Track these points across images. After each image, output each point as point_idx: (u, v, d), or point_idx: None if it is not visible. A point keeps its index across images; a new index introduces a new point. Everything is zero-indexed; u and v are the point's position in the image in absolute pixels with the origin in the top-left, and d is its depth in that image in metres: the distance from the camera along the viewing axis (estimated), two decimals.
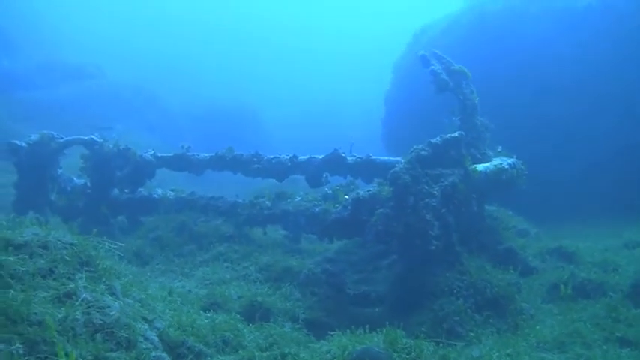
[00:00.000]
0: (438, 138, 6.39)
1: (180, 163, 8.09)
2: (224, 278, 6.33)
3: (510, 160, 7.06)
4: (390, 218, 6.06)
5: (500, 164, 6.85)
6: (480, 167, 6.57)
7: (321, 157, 7.79)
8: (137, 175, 8.07)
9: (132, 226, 8.28)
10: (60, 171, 8.34)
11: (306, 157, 7.92)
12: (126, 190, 8.31)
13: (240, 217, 7.33)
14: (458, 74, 7.51)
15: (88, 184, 8.22)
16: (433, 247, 5.80)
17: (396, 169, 6.07)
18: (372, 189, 6.53)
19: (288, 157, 7.89)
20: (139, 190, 8.44)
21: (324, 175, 7.69)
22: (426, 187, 6.03)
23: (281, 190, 7.45)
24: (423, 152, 6.23)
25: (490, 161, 6.92)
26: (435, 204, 5.95)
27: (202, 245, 7.11)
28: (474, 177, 6.39)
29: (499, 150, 7.60)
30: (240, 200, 7.62)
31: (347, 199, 6.52)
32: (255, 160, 7.85)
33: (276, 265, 6.44)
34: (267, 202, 7.26)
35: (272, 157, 7.92)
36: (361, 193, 6.47)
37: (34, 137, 7.96)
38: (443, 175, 6.29)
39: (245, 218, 7.29)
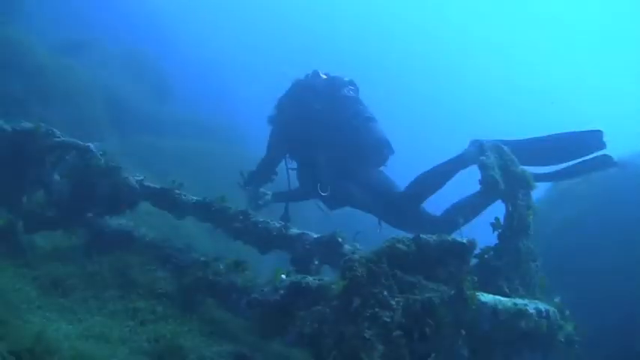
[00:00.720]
0: (433, 236, 4.49)
1: (164, 200, 6.67)
2: (107, 335, 4.74)
3: (543, 306, 4.93)
4: (322, 321, 4.21)
5: (525, 306, 4.74)
6: (486, 297, 4.53)
7: (315, 235, 6.05)
8: (115, 200, 6.73)
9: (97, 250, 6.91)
10: (56, 177, 7.17)
11: (297, 232, 6.21)
12: (106, 217, 7.01)
13: (186, 278, 5.71)
14: (517, 179, 5.56)
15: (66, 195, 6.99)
16: None
17: (354, 256, 4.25)
18: (326, 279, 4.69)
19: (277, 226, 6.23)
20: (119, 223, 7.11)
21: (315, 263, 5.88)
22: (385, 294, 4.13)
23: (243, 259, 5.76)
24: (400, 246, 4.36)
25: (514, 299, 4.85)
26: (387, 320, 4.02)
27: (124, 295, 5.58)
28: (470, 307, 4.35)
29: (556, 300, 5.47)
30: (203, 257, 6.02)
31: (283, 280, 4.71)
32: (240, 217, 6.25)
33: (171, 341, 4.70)
34: (221, 266, 5.59)
35: (261, 220, 6.29)
36: (309, 279, 4.65)
37: (26, 125, 6.91)
38: (421, 287, 4.34)
39: (191, 280, 5.66)
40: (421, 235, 4.41)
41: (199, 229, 9.86)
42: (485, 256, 5.35)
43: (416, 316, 4.17)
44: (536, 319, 4.78)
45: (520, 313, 4.66)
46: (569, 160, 6.83)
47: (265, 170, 7.94)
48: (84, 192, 6.85)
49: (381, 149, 7.33)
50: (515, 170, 5.58)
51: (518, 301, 4.77)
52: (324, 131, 7.37)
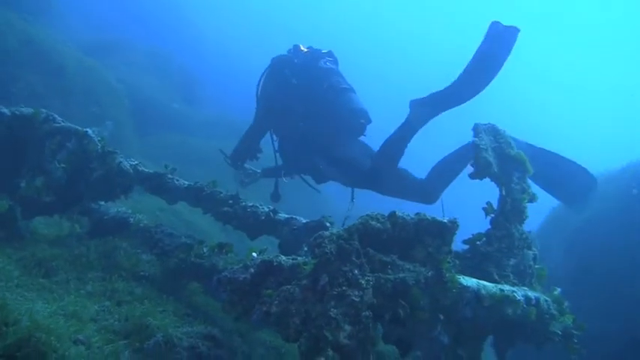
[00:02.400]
0: (410, 214, 4.25)
1: (155, 184, 6.53)
2: (79, 314, 4.61)
3: (533, 294, 4.64)
4: (289, 299, 4.00)
5: (512, 292, 4.46)
6: (466, 280, 4.27)
7: (304, 220, 5.84)
8: (108, 185, 6.61)
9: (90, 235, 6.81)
10: (62, 165, 7.05)
11: (285, 217, 6.00)
12: (101, 203, 6.91)
13: (170, 261, 5.56)
14: (512, 161, 5.29)
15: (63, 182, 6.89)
16: None
17: (324, 232, 4.04)
18: (299, 258, 4.47)
19: (266, 210, 6.04)
20: (117, 210, 7.01)
21: (304, 248, 5.66)
22: (356, 272, 3.91)
23: (228, 242, 5.57)
24: (374, 223, 4.13)
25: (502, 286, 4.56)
26: (356, 299, 3.80)
27: (106, 277, 5.45)
28: (449, 290, 4.09)
29: (555, 292, 5.18)
30: (189, 241, 5.85)
31: (254, 258, 4.50)
32: (230, 202, 6.07)
33: (139, 320, 4.55)
34: (204, 249, 5.42)
35: (250, 204, 6.10)
36: (282, 258, 4.44)
37: (25, 110, 6.83)
38: (395, 266, 4.11)
39: (175, 263, 5.50)
40: (397, 212, 4.18)
41: (212, 226, 9.75)
42: (478, 242, 5.09)
43: (387, 297, 3.95)
44: (525, 306, 4.49)
45: (506, 300, 4.38)
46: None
47: (247, 145, 7.89)
48: (80, 177, 6.74)
49: (357, 118, 7.15)
50: (510, 153, 5.30)
51: (505, 287, 4.49)
52: (302, 104, 7.33)
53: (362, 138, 7.49)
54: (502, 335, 4.88)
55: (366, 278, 3.89)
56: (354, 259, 3.95)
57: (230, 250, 5.38)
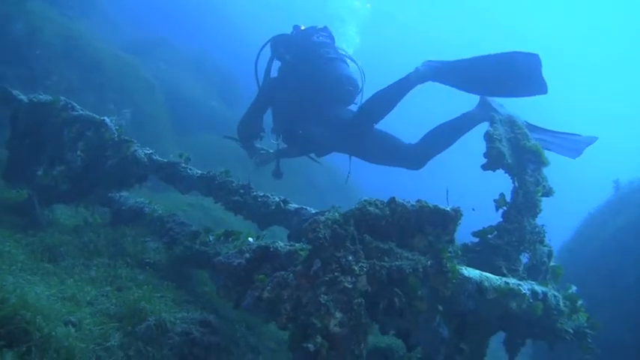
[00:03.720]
0: (411, 201, 4.10)
1: (169, 173, 6.47)
2: (77, 298, 4.57)
3: (540, 288, 4.43)
4: (282, 285, 3.89)
5: (518, 285, 4.26)
6: (468, 271, 4.09)
7: (314, 211, 5.72)
8: (122, 174, 6.59)
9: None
10: (78, 153, 7.06)
11: (295, 207, 5.89)
12: (119, 194, 6.91)
13: (176, 249, 5.49)
14: (528, 153, 5.09)
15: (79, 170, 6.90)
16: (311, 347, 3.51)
17: (320, 217, 3.92)
18: (297, 244, 4.35)
19: (276, 200, 5.93)
20: (135, 200, 7.00)
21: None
22: (350, 258, 3.78)
23: (235, 230, 5.48)
24: (372, 209, 4.00)
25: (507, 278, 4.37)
26: (349, 286, 3.67)
27: (111, 264, 5.41)
28: (448, 279, 3.92)
29: (570, 290, 4.96)
30: (199, 229, 5.79)
31: (250, 243, 4.39)
32: (241, 191, 5.99)
33: (134, 304, 4.47)
34: (210, 238, 5.34)
35: (261, 194, 6.00)
36: (279, 244, 4.33)
37: (43, 97, 6.86)
38: (392, 253, 3.96)
39: (180, 251, 5.43)
40: (396, 199, 4.03)
41: (241, 223, 9.68)
42: (489, 235, 4.90)
43: (381, 284, 3.80)
44: (531, 300, 4.30)
45: (511, 293, 4.19)
46: (502, 86, 6.57)
47: (248, 122, 8.03)
48: (95, 165, 6.75)
49: (342, 85, 7.30)
50: (525, 144, 5.10)
51: (511, 280, 4.30)
52: (294, 78, 7.53)
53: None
54: (510, 331, 4.70)
55: (359, 265, 3.75)
56: (348, 245, 3.83)
57: (237, 238, 5.28)
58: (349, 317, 3.63)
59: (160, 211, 6.74)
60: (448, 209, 4.07)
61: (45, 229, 6.26)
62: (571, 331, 4.67)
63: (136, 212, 6.94)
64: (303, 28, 7.99)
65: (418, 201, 4.09)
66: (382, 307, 3.83)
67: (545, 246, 5.02)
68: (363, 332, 3.68)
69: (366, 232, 3.96)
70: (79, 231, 6.30)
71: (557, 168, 5.32)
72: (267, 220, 5.94)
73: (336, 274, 3.69)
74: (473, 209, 5.44)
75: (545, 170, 5.26)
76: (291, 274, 3.89)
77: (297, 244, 4.27)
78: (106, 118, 6.93)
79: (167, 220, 6.31)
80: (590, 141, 6.20)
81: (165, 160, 6.58)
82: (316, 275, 3.73)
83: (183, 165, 6.50)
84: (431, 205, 4.06)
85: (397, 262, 3.86)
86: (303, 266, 3.85)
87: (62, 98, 6.97)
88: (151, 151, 6.73)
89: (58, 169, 6.89)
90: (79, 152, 6.89)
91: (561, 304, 4.52)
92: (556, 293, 4.54)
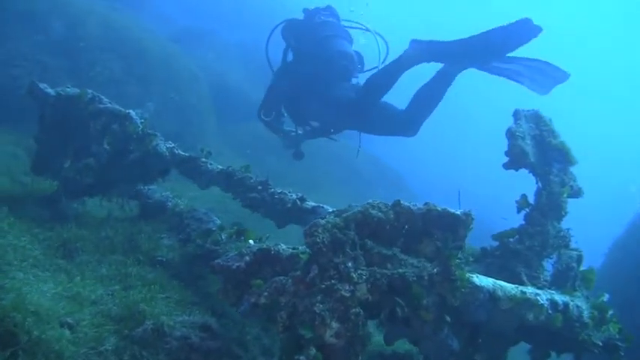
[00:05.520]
0: (417, 204, 3.86)
1: (189, 168, 6.35)
2: (82, 296, 4.50)
3: (561, 298, 4.12)
4: (280, 291, 3.71)
5: (535, 295, 3.97)
6: (480, 279, 3.83)
7: (330, 209, 5.49)
8: (144, 168, 6.50)
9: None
10: (105, 146, 6.99)
11: (313, 205, 5.68)
12: (147, 187, 6.84)
13: (189, 246, 5.37)
14: (553, 151, 4.75)
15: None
16: None
17: (320, 220, 3.71)
18: (301, 247, 4.15)
19: (293, 198, 5.74)
20: (161, 194, 6.92)
21: None
22: (349, 265, 3.57)
23: (246, 228, 5.32)
24: (375, 212, 3.77)
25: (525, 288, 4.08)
26: (347, 294, 3.46)
27: (125, 260, 5.33)
28: (457, 288, 3.67)
29: (602, 298, 4.63)
30: (212, 227, 5.66)
31: (250, 246, 4.21)
32: (259, 188, 5.82)
33: (135, 306, 4.35)
34: (222, 236, 5.20)
35: (279, 191, 5.82)
36: (282, 247, 4.14)
37: (71, 91, 6.80)
38: (396, 259, 3.72)
39: (193, 248, 5.31)
40: (401, 202, 3.80)
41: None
42: (511, 239, 4.61)
43: (382, 292, 3.58)
44: (549, 312, 4.00)
45: (527, 303, 3.91)
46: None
47: (267, 107, 8.01)
48: (120, 159, 6.68)
49: (336, 61, 7.33)
50: (551, 141, 4.77)
51: (528, 289, 4.01)
52: (299, 62, 7.69)
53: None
54: (532, 343, 4.41)
55: (358, 272, 3.54)
56: (348, 250, 3.61)
57: (249, 237, 5.12)
58: (346, 328, 3.42)
59: (182, 206, 6.65)
60: (458, 213, 3.82)
61: (70, 221, 6.20)
62: (600, 343, 4.35)
63: (160, 206, 6.86)
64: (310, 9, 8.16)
65: (426, 204, 3.84)
66: (383, 317, 3.61)
67: (573, 250, 4.70)
68: (361, 344, 3.47)
69: (368, 237, 3.74)
70: (99, 225, 6.24)
71: None
72: (284, 219, 5.76)
73: (333, 281, 3.49)
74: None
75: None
76: (290, 280, 3.71)
77: (300, 247, 4.08)
78: (131, 111, 6.85)
79: (186, 216, 6.20)
80: (561, 79, 6.13)
81: (187, 155, 6.46)
82: (313, 282, 3.54)
83: (203, 160, 6.36)
84: (439, 209, 3.81)
85: (400, 270, 3.63)
86: (302, 272, 3.66)
87: (89, 91, 6.90)
88: (172, 144, 6.62)
89: (84, 162, 6.84)
90: (105, 145, 6.82)
91: (585, 315, 4.19)
92: (580, 303, 4.22)
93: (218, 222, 6.34)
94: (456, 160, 39.58)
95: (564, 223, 4.67)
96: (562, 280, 4.61)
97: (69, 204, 6.77)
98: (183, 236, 5.79)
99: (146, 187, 7.28)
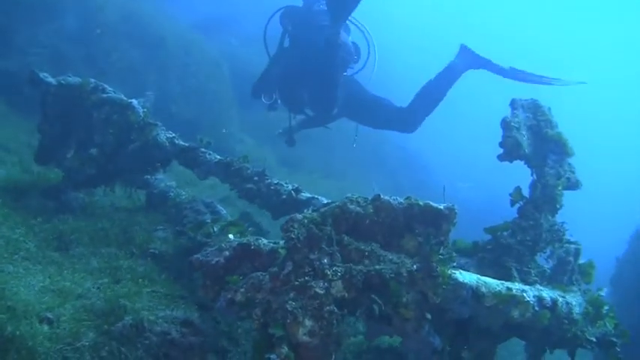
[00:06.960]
0: (398, 198, 3.74)
1: (188, 158, 6.29)
2: (68, 290, 4.47)
3: (549, 294, 3.97)
4: (257, 287, 3.63)
5: (522, 292, 3.84)
6: (463, 275, 3.71)
7: (325, 201, 5.40)
8: (144, 157, 6.46)
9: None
10: (111, 137, 6.95)
11: (308, 196, 5.59)
12: (154, 176, 6.84)
13: (182, 239, 5.33)
14: (549, 143, 4.59)
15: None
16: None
17: (297, 215, 3.62)
18: (281, 242, 4.06)
19: (288, 189, 5.65)
20: (166, 184, 6.90)
21: None
22: (325, 261, 3.48)
23: (236, 220, 5.26)
24: (353, 207, 3.67)
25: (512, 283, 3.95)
26: (321, 291, 3.37)
27: (117, 253, 5.30)
28: (439, 284, 3.55)
29: (600, 292, 4.49)
30: (205, 219, 5.60)
31: (230, 241, 4.14)
32: (256, 179, 5.74)
33: (117, 301, 4.30)
34: (215, 229, 5.14)
35: (275, 182, 5.74)
36: (263, 241, 4.06)
37: (72, 80, 6.77)
38: (374, 255, 3.62)
39: (185, 241, 5.26)
40: (381, 196, 3.69)
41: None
42: (505, 233, 4.47)
43: (357, 290, 3.48)
44: (536, 309, 3.86)
45: (513, 300, 3.78)
46: None
47: (259, 87, 8.06)
48: (121, 149, 6.64)
49: (331, 50, 7.13)
50: (547, 132, 4.60)
51: (514, 285, 3.88)
52: (294, 49, 7.70)
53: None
54: (522, 340, 4.29)
55: (334, 269, 3.44)
56: (324, 246, 3.52)
57: (231, 231, 5.04)
58: (320, 326, 3.34)
59: (184, 196, 6.61)
60: (441, 207, 3.69)
61: (71, 213, 6.19)
62: (594, 339, 4.21)
63: (162, 196, 6.84)
64: None
65: (407, 198, 3.72)
66: (359, 315, 3.51)
67: (570, 243, 4.55)
68: (335, 342, 3.38)
69: (347, 232, 3.64)
70: (96, 217, 6.22)
71: None
72: (279, 210, 5.68)
73: (307, 278, 3.41)
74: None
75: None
76: (267, 276, 3.63)
77: (280, 242, 3.99)
78: (133, 100, 6.79)
79: (184, 207, 6.16)
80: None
81: (187, 145, 6.39)
82: (287, 279, 3.45)
83: (202, 150, 6.30)
84: (421, 203, 3.69)
85: (377, 266, 3.53)
86: (278, 268, 3.58)
87: (92, 80, 6.87)
88: (173, 134, 6.55)
89: (86, 153, 6.82)
90: (109, 135, 6.79)
91: (575, 311, 4.05)
92: (571, 299, 4.08)
93: (223, 212, 6.29)
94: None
95: (566, 217, 4.53)
96: (559, 275, 4.47)
97: (75, 194, 6.72)
98: (180, 227, 5.75)
99: (153, 177, 7.25)
